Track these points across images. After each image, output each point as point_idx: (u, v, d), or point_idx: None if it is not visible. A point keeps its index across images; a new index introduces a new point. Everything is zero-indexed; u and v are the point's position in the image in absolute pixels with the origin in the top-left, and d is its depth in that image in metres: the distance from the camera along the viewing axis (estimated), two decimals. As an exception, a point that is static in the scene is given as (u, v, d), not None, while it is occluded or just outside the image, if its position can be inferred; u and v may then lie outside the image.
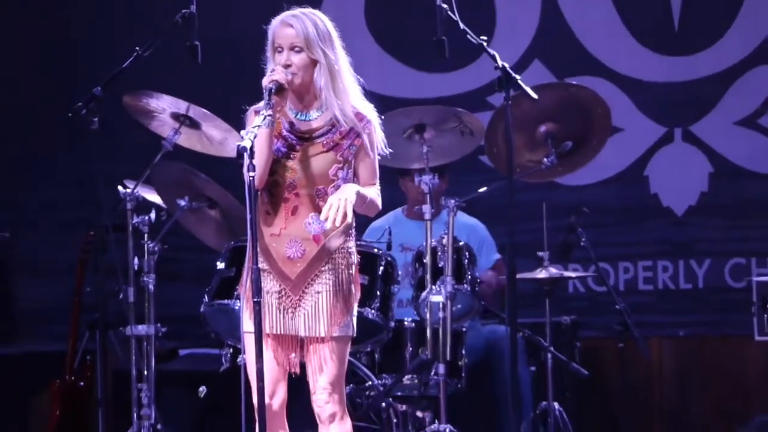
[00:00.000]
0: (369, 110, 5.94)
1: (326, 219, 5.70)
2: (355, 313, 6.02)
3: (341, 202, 5.70)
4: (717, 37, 8.75)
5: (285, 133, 5.84)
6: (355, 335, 6.05)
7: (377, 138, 5.96)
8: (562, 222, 7.79)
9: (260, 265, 5.75)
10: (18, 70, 9.41)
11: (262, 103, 5.82)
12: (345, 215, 5.69)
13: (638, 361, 8.42)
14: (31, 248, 8.95)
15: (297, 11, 5.86)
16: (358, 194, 5.79)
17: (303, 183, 5.88)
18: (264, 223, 5.90)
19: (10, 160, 9.32)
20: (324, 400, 5.94)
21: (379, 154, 5.97)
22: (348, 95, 5.89)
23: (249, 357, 5.82)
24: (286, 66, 5.80)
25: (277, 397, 5.93)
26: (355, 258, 6.01)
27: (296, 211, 5.89)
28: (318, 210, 5.83)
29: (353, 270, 6.00)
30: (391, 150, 6.03)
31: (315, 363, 5.94)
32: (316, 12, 5.90)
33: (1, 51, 9.47)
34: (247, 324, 5.87)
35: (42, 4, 9.44)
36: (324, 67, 5.84)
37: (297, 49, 5.81)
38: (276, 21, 5.85)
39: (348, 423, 6.02)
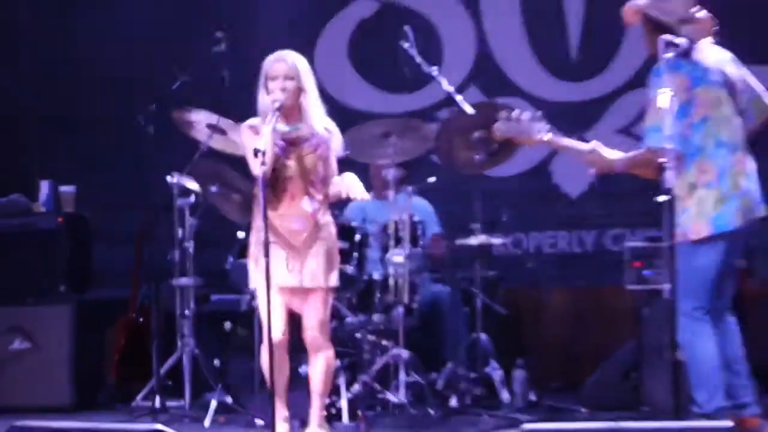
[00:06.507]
0: (332, 125, 6.03)
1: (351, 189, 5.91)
2: (338, 269, 6.09)
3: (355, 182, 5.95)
4: (603, 69, 8.75)
5: (280, 141, 5.88)
6: (338, 286, 6.14)
7: (337, 144, 6.04)
8: (490, 203, 7.71)
9: (272, 238, 5.77)
10: (96, 89, 9.40)
11: (255, 120, 5.91)
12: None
13: (544, 303, 8.57)
14: (105, 222, 8.87)
15: (286, 52, 5.92)
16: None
17: (298, 175, 5.94)
18: (272, 208, 5.90)
19: (92, 158, 9.28)
20: (315, 335, 5.98)
21: (337, 155, 6.07)
22: (319, 112, 5.96)
23: (261, 305, 5.86)
24: (282, 90, 5.83)
25: (284, 331, 5.93)
26: (334, 229, 6.09)
27: (294, 196, 5.95)
28: (309, 194, 5.94)
29: (335, 237, 6.08)
30: (348, 151, 6.17)
31: (309, 307, 5.97)
32: (298, 54, 5.94)
33: (84, 74, 9.45)
34: (258, 280, 5.90)
35: (104, 32, 9.40)
36: (306, 93, 5.91)
37: (289, 77, 5.86)
38: (271, 57, 5.92)
39: (331, 351, 6.08)
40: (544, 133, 5.90)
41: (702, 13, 5.79)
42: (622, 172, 5.89)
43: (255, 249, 5.97)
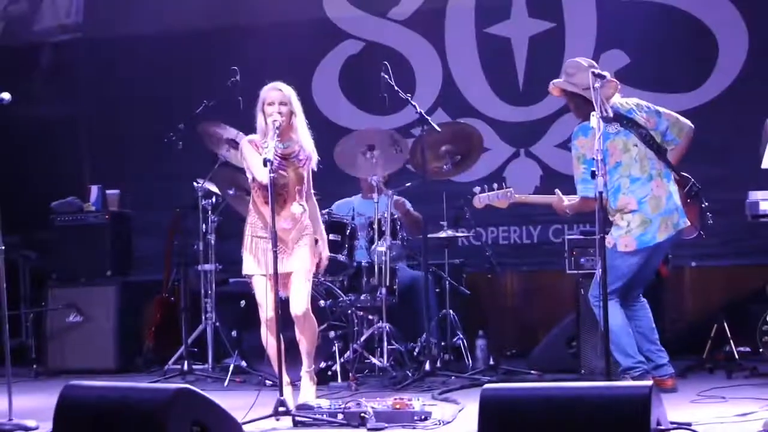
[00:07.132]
0: (313, 145, 5.98)
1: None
2: (316, 257, 6.04)
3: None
4: (543, 97, 8.36)
5: (276, 155, 5.72)
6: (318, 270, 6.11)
7: (315, 161, 5.99)
8: (455, 203, 7.64)
9: (264, 233, 5.79)
10: (137, 114, 9.31)
11: (254, 136, 5.86)
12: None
13: (500, 285, 8.49)
14: (143, 219, 8.78)
15: (279, 83, 5.86)
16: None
17: (290, 184, 5.90)
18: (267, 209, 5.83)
19: (132, 167, 9.19)
20: (300, 307, 5.88)
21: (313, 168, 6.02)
22: (306, 131, 5.91)
23: (256, 288, 5.88)
24: (279, 113, 5.78)
25: (275, 307, 5.78)
26: (311, 228, 6.01)
27: (286, 201, 5.90)
28: (296, 200, 5.90)
29: (312, 233, 6.00)
30: (321, 166, 6.09)
31: (295, 285, 5.89)
32: (287, 85, 5.89)
33: (128, 103, 9.38)
34: (251, 269, 5.89)
35: (146, 69, 9.32)
36: (296, 116, 5.86)
37: (284, 103, 5.80)
38: (268, 87, 5.86)
39: (313, 319, 6.00)
40: (513, 196, 6.30)
41: (607, 77, 5.90)
42: (573, 213, 6.25)
43: (249, 241, 5.92)
